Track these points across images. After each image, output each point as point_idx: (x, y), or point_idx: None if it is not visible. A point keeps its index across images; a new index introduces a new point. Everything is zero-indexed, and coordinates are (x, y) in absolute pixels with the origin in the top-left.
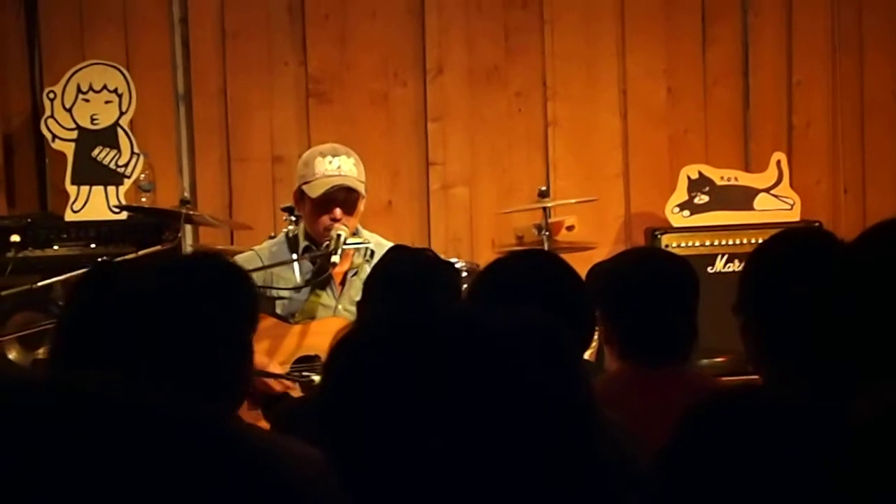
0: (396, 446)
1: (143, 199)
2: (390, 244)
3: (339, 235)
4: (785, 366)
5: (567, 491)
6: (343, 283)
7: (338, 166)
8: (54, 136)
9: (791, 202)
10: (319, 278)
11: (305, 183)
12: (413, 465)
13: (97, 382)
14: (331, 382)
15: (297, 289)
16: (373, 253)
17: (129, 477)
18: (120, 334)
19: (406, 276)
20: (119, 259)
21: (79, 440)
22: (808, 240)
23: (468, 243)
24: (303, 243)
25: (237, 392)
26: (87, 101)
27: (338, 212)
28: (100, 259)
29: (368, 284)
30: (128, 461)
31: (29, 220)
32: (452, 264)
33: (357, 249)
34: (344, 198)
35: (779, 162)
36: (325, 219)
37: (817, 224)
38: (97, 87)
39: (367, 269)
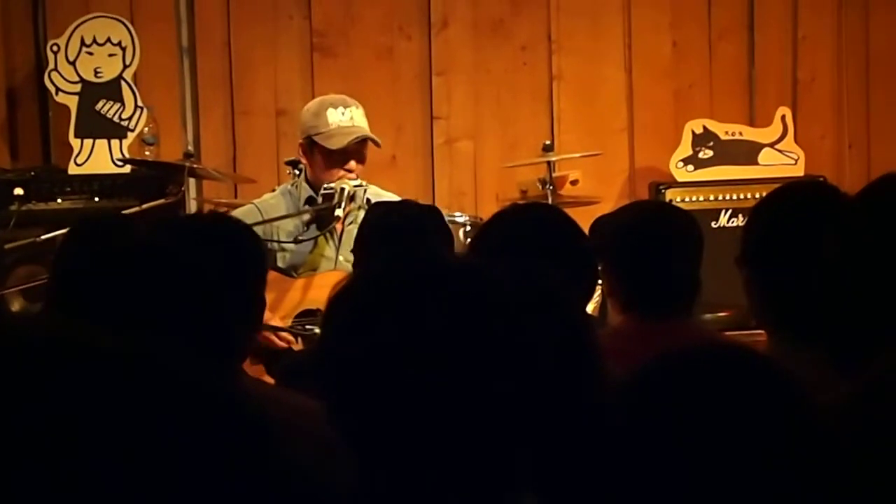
0: (394, 397)
1: (147, 153)
2: (389, 194)
3: (342, 189)
4: (788, 319)
5: (569, 439)
6: (342, 233)
7: (350, 117)
8: (58, 90)
9: (795, 157)
10: (321, 232)
11: (318, 134)
12: (411, 415)
13: (98, 336)
14: (329, 334)
15: (297, 241)
16: (370, 202)
17: (126, 430)
18: (121, 289)
19: (396, 226)
20: (125, 212)
21: (74, 392)
22: (811, 193)
23: (472, 197)
24: (304, 194)
25: (240, 347)
26: (90, 54)
27: (353, 164)
28: (104, 212)
29: (359, 239)
30: (125, 415)
31: (32, 173)
32: (438, 210)
33: (353, 199)
34: (357, 149)
35: (783, 117)
36: (340, 171)
37: (822, 179)
38: (101, 40)
39: None
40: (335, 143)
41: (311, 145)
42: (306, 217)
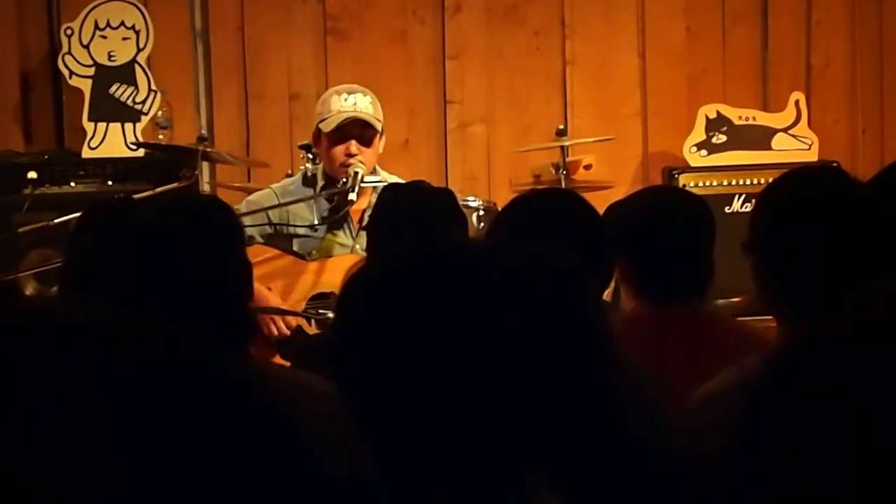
0: (407, 382)
1: (161, 137)
2: None
3: (356, 173)
4: (796, 305)
5: (581, 426)
6: (360, 221)
7: (353, 103)
8: (71, 73)
9: (809, 142)
10: (336, 216)
11: (322, 120)
12: (424, 401)
13: (112, 321)
14: (343, 318)
15: (313, 226)
16: None
17: (142, 415)
18: (135, 273)
19: (405, 210)
20: (135, 196)
21: (83, 375)
22: (818, 178)
23: (485, 182)
24: (321, 181)
25: (249, 328)
26: (104, 37)
27: (353, 145)
28: (117, 196)
29: (370, 226)
30: (140, 400)
31: (46, 156)
32: (449, 191)
33: (375, 189)
34: (359, 133)
35: (797, 102)
36: (340, 152)
37: (835, 164)
38: (115, 24)
39: None
40: (328, 126)
41: (319, 132)
42: (323, 205)
